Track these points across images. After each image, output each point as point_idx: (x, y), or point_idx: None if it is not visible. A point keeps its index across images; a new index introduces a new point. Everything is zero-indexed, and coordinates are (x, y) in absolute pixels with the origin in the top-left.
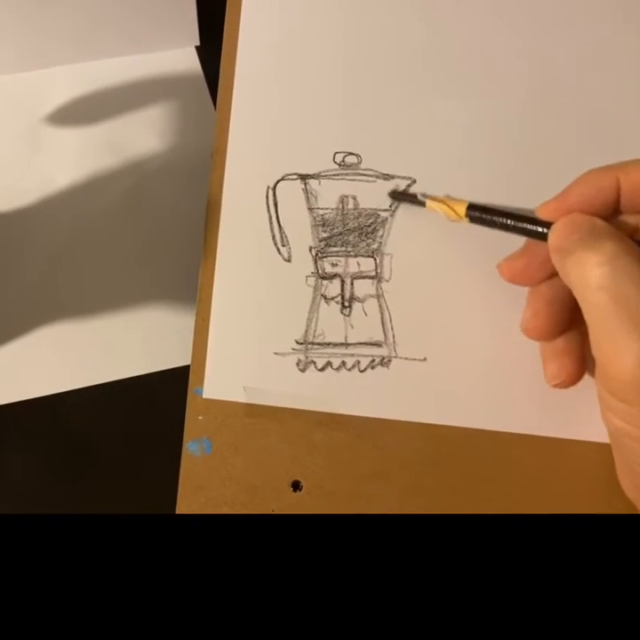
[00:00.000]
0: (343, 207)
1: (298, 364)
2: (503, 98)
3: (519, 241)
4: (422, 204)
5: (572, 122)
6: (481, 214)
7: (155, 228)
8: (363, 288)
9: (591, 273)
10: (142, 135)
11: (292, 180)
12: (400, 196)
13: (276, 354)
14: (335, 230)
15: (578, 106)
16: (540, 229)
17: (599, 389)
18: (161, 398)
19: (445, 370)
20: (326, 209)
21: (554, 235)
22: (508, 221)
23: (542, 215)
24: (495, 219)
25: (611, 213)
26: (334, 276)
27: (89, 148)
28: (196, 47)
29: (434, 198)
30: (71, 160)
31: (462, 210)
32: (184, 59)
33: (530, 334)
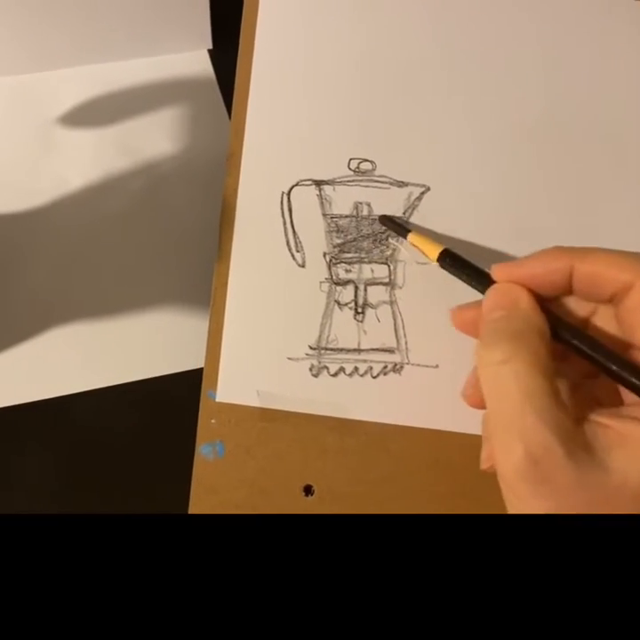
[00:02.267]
0: (357, 213)
1: (311, 370)
2: (517, 106)
3: None
4: (404, 235)
5: (586, 130)
6: (450, 264)
7: (167, 231)
8: (376, 294)
9: (487, 369)
10: (154, 137)
11: (307, 185)
12: (387, 222)
13: (289, 359)
14: (349, 236)
15: (592, 114)
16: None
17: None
18: (174, 401)
19: (457, 377)
20: (340, 215)
21: (484, 303)
22: (468, 277)
23: (495, 274)
24: (459, 272)
25: (561, 293)
26: (348, 282)
27: (102, 150)
28: (209, 50)
29: (416, 235)
30: (84, 162)
31: (434, 254)
32: (196, 61)
33: (467, 402)
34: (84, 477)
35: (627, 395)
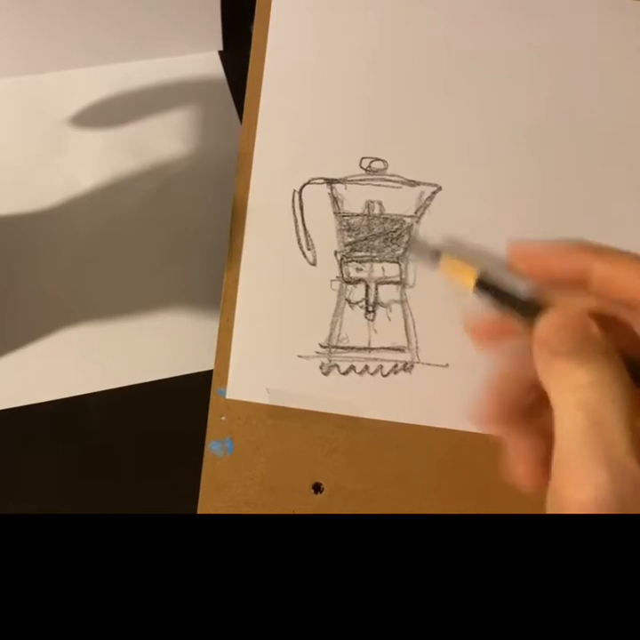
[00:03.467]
0: (369, 212)
1: (321, 368)
2: (528, 105)
3: None
4: (436, 261)
5: (598, 128)
6: (487, 291)
7: (177, 232)
8: (387, 293)
9: (574, 392)
10: (165, 138)
11: (319, 184)
12: (420, 249)
13: (299, 356)
14: (360, 235)
15: (604, 112)
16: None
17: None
18: (183, 402)
19: (467, 376)
20: (352, 214)
21: (543, 328)
22: (505, 304)
23: (513, 256)
24: (496, 300)
25: (574, 288)
26: (359, 280)
27: (112, 151)
28: (219, 52)
29: (450, 262)
30: (94, 162)
31: (471, 281)
32: (207, 63)
33: (526, 484)
34: (92, 478)
35: None
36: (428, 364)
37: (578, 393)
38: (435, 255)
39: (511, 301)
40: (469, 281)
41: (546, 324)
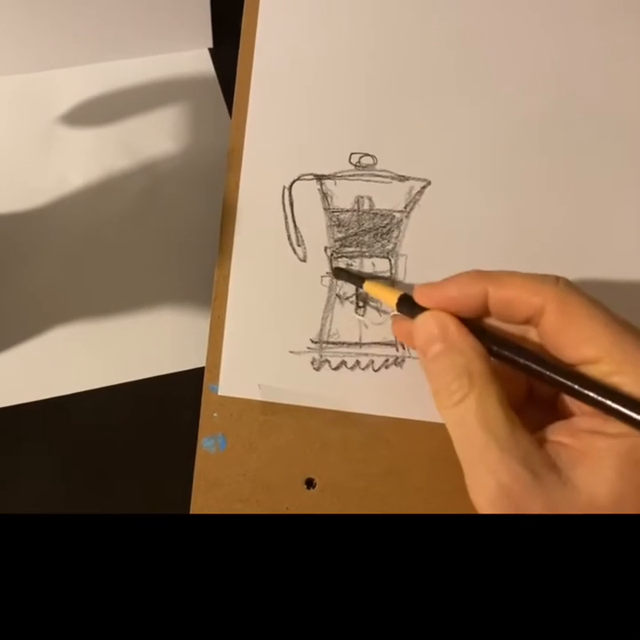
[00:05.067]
0: (359, 208)
1: (312, 363)
2: (521, 101)
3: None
4: (359, 284)
5: (593, 126)
6: (408, 310)
7: (168, 229)
8: None
9: (446, 411)
10: (156, 136)
11: (308, 180)
12: (341, 274)
13: (291, 352)
14: (350, 231)
15: (599, 110)
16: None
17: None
18: (175, 400)
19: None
20: (342, 209)
21: (415, 337)
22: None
23: (417, 296)
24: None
25: (481, 316)
26: None
27: (103, 149)
28: (210, 49)
29: (372, 284)
30: (85, 160)
31: (393, 301)
32: (197, 60)
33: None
34: (85, 476)
35: (575, 405)
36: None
37: (447, 413)
38: (358, 280)
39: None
40: (392, 300)
41: (415, 336)
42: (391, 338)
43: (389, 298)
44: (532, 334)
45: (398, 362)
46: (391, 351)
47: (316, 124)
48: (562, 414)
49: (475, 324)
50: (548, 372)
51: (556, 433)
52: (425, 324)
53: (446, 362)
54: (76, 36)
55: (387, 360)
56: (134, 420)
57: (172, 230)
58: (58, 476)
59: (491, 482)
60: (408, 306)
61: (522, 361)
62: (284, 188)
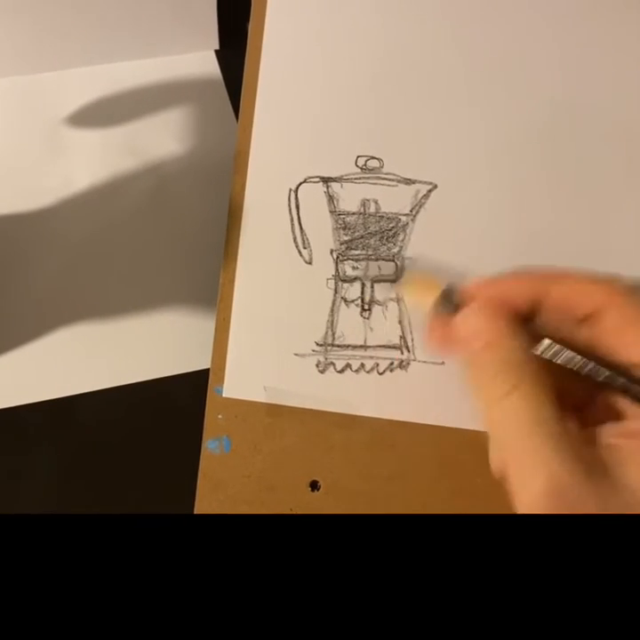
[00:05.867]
0: (365, 211)
1: (317, 366)
2: (527, 105)
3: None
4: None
5: (598, 129)
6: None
7: (174, 231)
8: (383, 291)
9: (490, 404)
10: (161, 138)
11: (314, 182)
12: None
13: (296, 355)
14: (356, 233)
15: (604, 113)
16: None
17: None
18: (180, 401)
19: (463, 374)
20: (348, 212)
21: (460, 328)
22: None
23: (473, 291)
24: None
25: (528, 315)
26: (355, 278)
27: (108, 151)
28: (216, 51)
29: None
30: (91, 162)
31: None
32: (203, 62)
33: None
34: (89, 477)
35: (625, 408)
36: (424, 362)
37: (494, 405)
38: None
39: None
40: (432, 296)
41: (460, 327)
42: (396, 341)
43: (431, 294)
44: (582, 334)
45: (403, 365)
46: (396, 354)
47: (322, 126)
48: (602, 416)
49: (523, 319)
50: (606, 371)
51: (608, 435)
52: (473, 315)
53: (494, 355)
54: (82, 37)
55: (391, 363)
56: (139, 422)
57: (177, 232)
58: (62, 477)
59: (542, 475)
60: (449, 301)
61: (576, 359)
62: (291, 190)
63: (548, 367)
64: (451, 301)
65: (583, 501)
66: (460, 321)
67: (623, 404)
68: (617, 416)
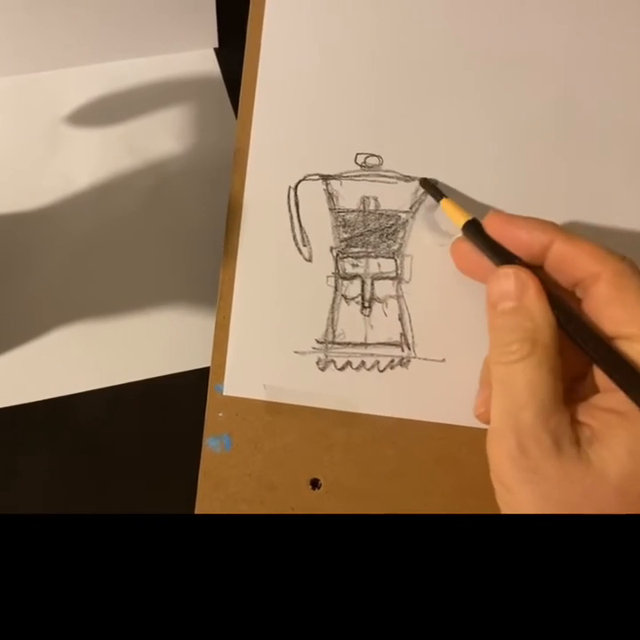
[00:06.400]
0: (364, 208)
1: (318, 363)
2: (527, 102)
3: None
4: (438, 199)
5: (602, 124)
6: (473, 236)
7: (174, 229)
8: (383, 289)
9: (497, 366)
10: (161, 136)
11: (314, 180)
12: (426, 185)
13: (296, 352)
14: (356, 231)
15: (608, 108)
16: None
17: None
18: (180, 400)
19: (464, 371)
20: (347, 210)
21: (492, 286)
22: (489, 251)
23: (488, 221)
24: (481, 245)
25: (533, 262)
26: (355, 276)
27: (108, 149)
28: (215, 49)
29: (449, 202)
30: (91, 161)
31: (461, 222)
32: (203, 60)
33: (482, 420)
34: (89, 476)
35: (602, 382)
36: (425, 359)
37: (501, 367)
38: (438, 194)
39: (491, 250)
40: (460, 221)
41: (492, 285)
42: (396, 338)
43: (459, 219)
44: (575, 297)
45: (404, 362)
46: (397, 352)
47: (321, 124)
48: (589, 391)
49: (551, 291)
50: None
51: (582, 411)
52: (505, 277)
53: (514, 321)
54: (81, 35)
55: (392, 360)
56: (139, 420)
57: (177, 230)
58: (62, 476)
59: (513, 438)
60: (474, 232)
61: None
62: (290, 188)
63: (561, 340)
64: (475, 234)
65: (546, 467)
66: (491, 279)
67: (604, 379)
68: (598, 391)
